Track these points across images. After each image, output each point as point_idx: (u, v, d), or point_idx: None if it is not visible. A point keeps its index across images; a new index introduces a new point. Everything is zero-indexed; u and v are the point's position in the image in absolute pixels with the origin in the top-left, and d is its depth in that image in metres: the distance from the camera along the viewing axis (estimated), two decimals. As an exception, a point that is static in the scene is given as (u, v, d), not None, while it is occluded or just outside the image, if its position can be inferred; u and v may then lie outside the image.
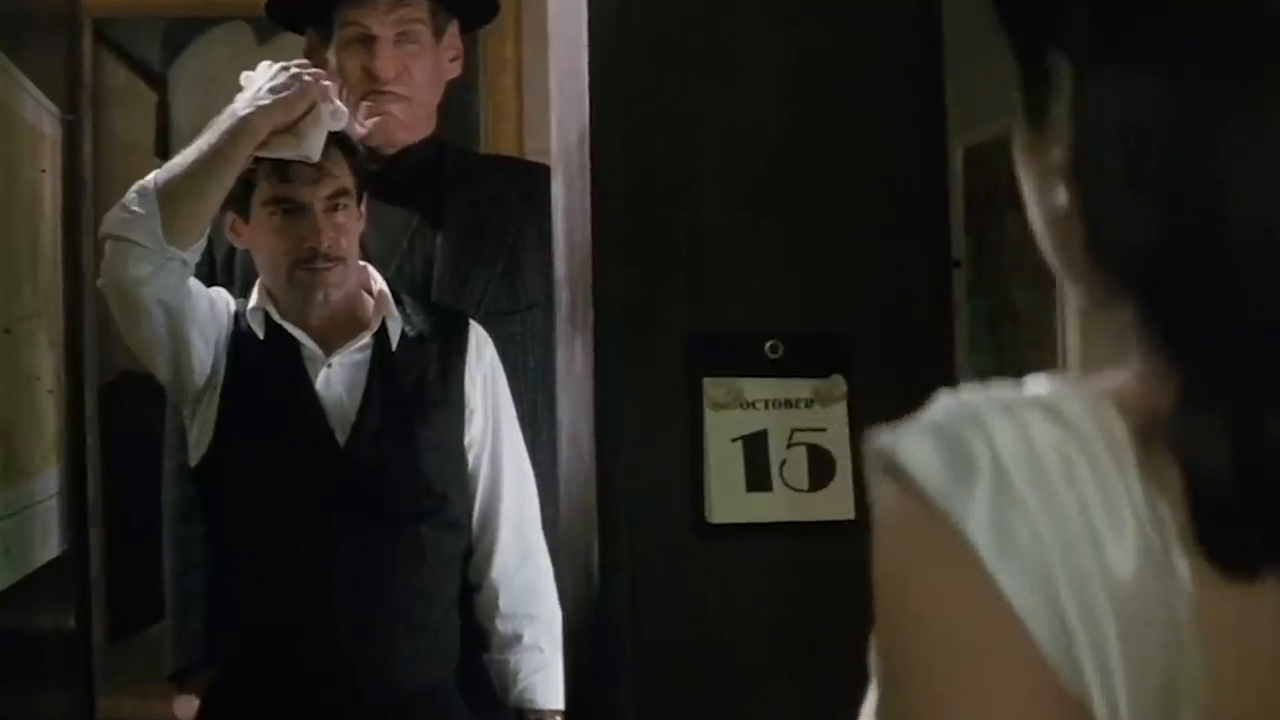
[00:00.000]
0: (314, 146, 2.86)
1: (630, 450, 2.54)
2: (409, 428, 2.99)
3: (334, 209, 2.97)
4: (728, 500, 2.51)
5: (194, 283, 2.96)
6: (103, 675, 4.51)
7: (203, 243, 2.96)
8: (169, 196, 2.84)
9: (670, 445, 2.53)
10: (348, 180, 3.00)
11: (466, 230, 3.29)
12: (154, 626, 3.72)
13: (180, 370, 2.98)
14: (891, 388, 2.56)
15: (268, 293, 3.01)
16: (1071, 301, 1.14)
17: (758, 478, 2.53)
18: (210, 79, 4.50)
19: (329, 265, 2.95)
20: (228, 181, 2.86)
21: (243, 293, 3.11)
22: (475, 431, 3.09)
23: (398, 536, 2.97)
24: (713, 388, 2.53)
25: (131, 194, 2.87)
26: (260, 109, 2.84)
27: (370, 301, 3.05)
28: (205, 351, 2.96)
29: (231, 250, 3.25)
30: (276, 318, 2.96)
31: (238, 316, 3.02)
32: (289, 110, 2.85)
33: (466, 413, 3.08)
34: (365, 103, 3.23)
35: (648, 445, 2.52)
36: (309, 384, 2.94)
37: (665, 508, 2.53)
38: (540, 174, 3.25)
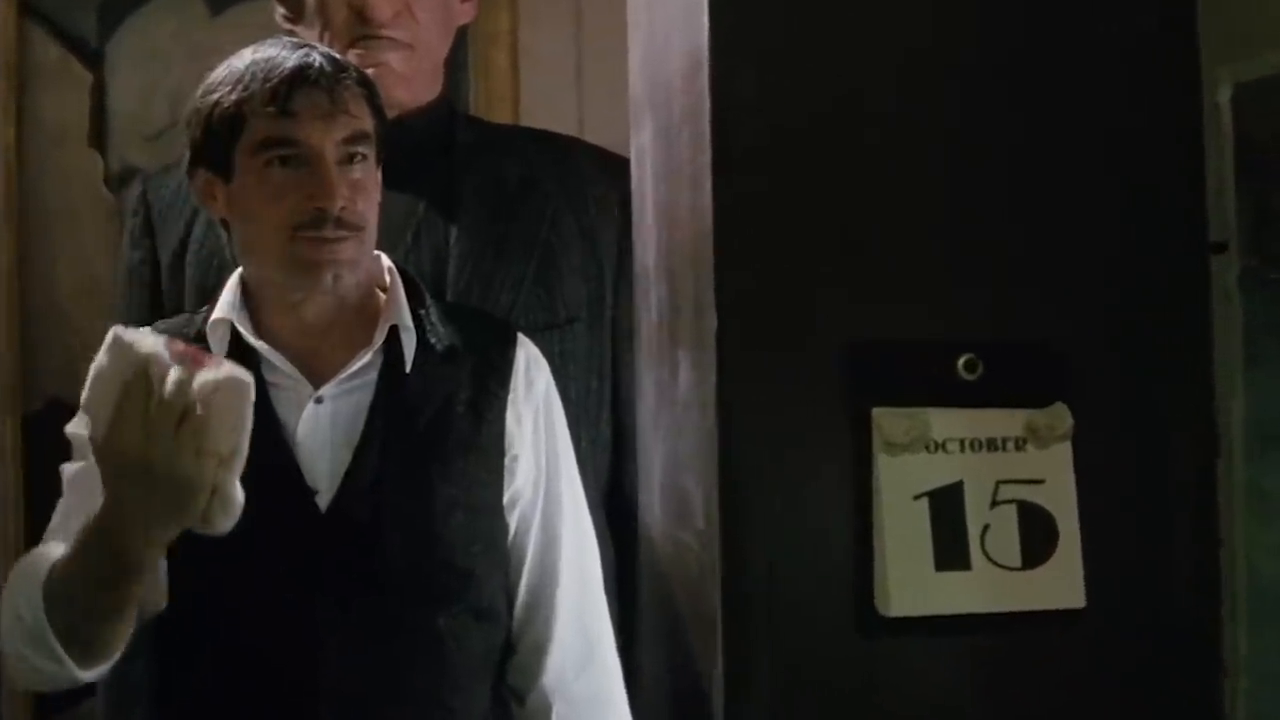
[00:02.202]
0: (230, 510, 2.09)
1: (767, 514, 1.93)
2: (423, 481, 2.34)
3: (350, 159, 2.33)
4: (909, 583, 1.97)
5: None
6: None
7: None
8: (58, 610, 2.20)
9: (825, 505, 1.97)
10: (368, 122, 2.36)
11: (488, 220, 2.72)
12: (85, 704, 3.14)
13: None
14: (1132, 421, 2.02)
15: (243, 294, 2.39)
16: None
17: (950, 550, 1.98)
18: (154, 56, 4.20)
19: (343, 235, 2.31)
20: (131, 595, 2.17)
21: (200, 301, 2.54)
22: (521, 485, 2.43)
23: (406, 630, 2.35)
24: (887, 422, 1.95)
25: (19, 595, 2.21)
26: (140, 523, 2.10)
27: (381, 303, 2.41)
28: None
29: (183, 239, 2.71)
30: (247, 335, 2.34)
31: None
32: (189, 502, 2.07)
33: (508, 460, 2.41)
34: (354, 51, 2.71)
35: (792, 506, 1.95)
36: (275, 425, 2.32)
37: (819, 597, 1.97)
38: (579, 151, 2.81)
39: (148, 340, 2.04)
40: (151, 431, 2.01)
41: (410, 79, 2.73)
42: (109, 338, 2.06)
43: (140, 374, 2.00)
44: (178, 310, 2.58)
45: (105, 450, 2.04)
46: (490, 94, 4.27)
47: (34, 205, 4.00)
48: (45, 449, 2.60)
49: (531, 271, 2.71)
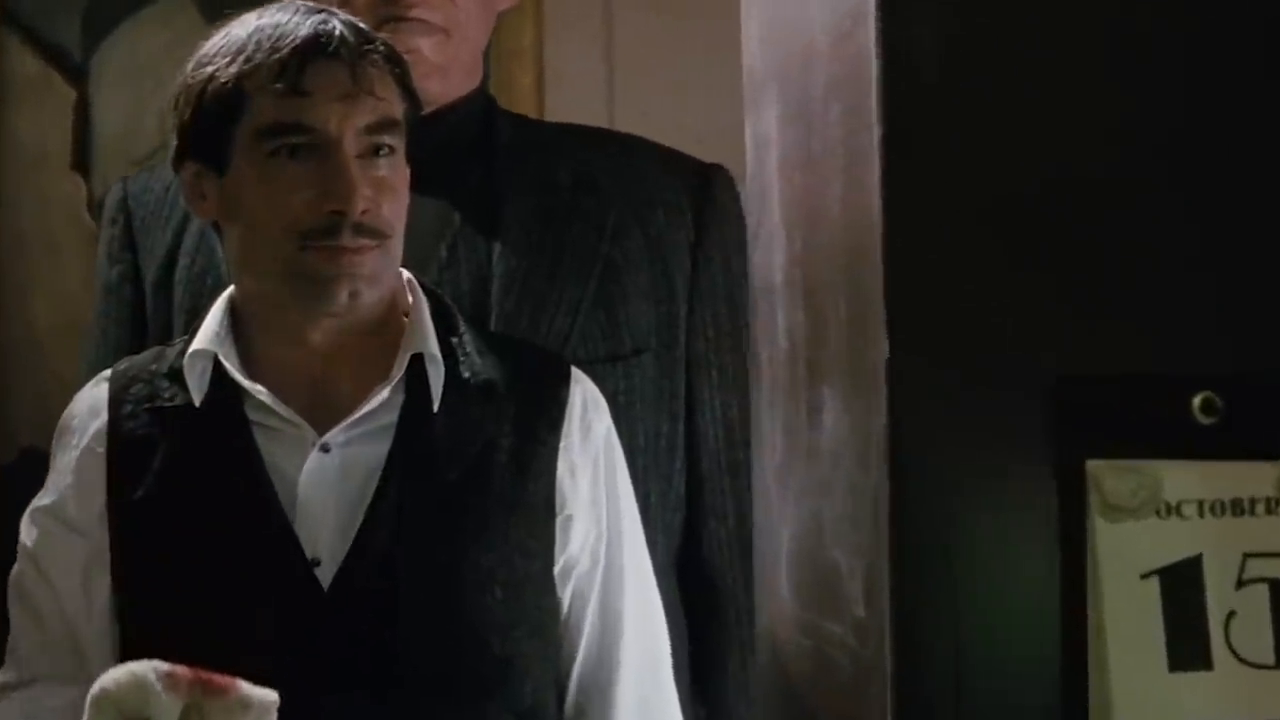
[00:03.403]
0: None
1: (952, 598, 1.65)
2: (453, 549, 2.16)
3: (375, 151, 2.15)
4: (1135, 688, 1.67)
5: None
6: None
7: None
8: None
9: (1027, 587, 1.68)
10: (396, 107, 2.17)
11: (538, 232, 2.56)
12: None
13: None
14: None
15: (231, 319, 2.21)
16: None
17: (1187, 645, 1.68)
18: (142, 71, 4.16)
19: (364, 244, 2.13)
20: None
21: (189, 328, 2.34)
22: (575, 553, 2.24)
23: None
24: (1107, 478, 1.67)
25: None
26: None
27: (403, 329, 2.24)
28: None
29: (171, 252, 2.55)
30: (233, 371, 2.16)
31: (159, 377, 2.24)
32: None
33: (559, 521, 2.22)
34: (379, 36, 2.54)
35: (985, 588, 1.66)
36: (265, 481, 2.15)
37: (1020, 706, 1.68)
38: (642, 151, 2.65)
39: (137, 689, 1.93)
40: None
41: (445, 68, 2.56)
42: (91, 700, 1.96)
43: None
44: (164, 338, 2.42)
45: None
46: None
47: (10, 233, 4.02)
48: (19, 505, 2.41)
49: (590, 293, 2.54)
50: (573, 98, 3.93)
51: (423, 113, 2.35)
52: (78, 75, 4.30)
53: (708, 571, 2.52)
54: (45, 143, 4.21)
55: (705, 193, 2.57)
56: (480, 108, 2.65)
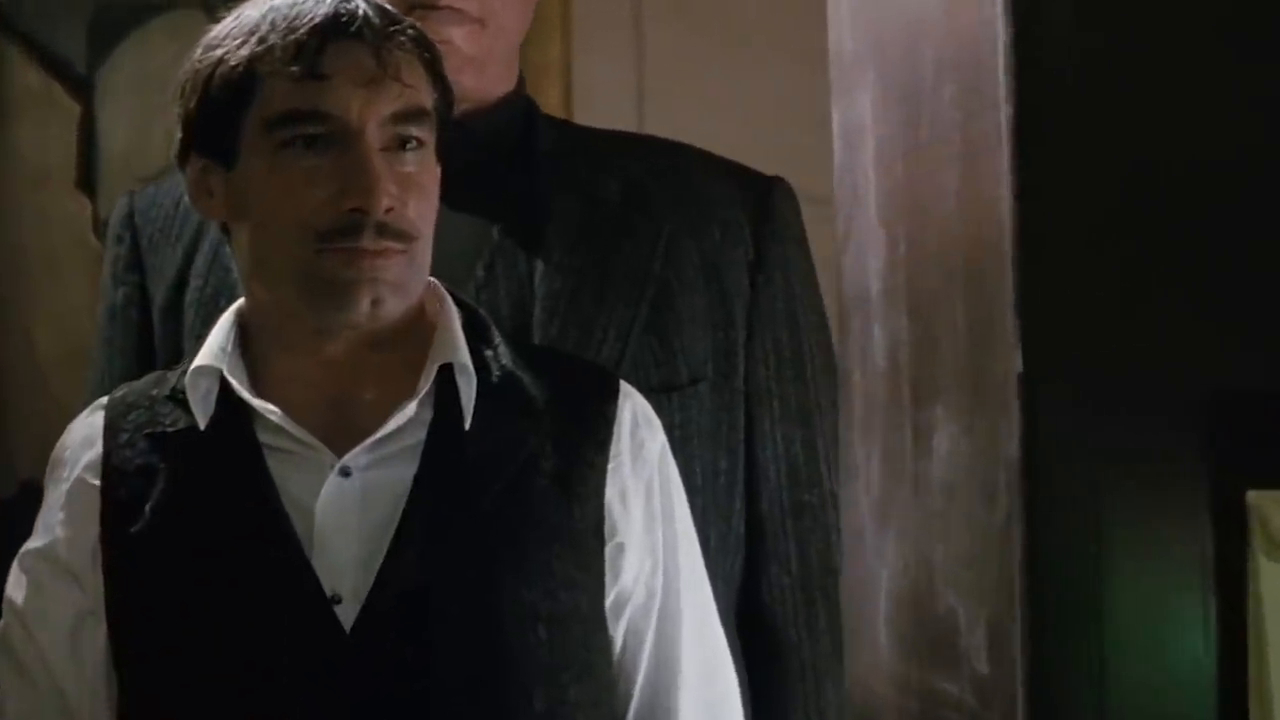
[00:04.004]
0: None
1: (1094, 649, 1.50)
2: (490, 582, 2.04)
3: (401, 144, 2.05)
4: None
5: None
6: None
7: None
8: None
9: (1180, 632, 1.55)
10: (426, 96, 2.07)
11: (583, 249, 2.43)
12: None
13: None
14: None
15: (239, 334, 2.11)
16: None
17: None
18: (150, 85, 4.17)
19: (388, 247, 2.03)
20: None
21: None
22: (628, 585, 2.11)
23: None
24: (1270, 510, 1.53)
25: None
26: None
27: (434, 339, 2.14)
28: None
29: (181, 272, 2.44)
30: (240, 389, 2.06)
31: (160, 402, 2.13)
32: None
33: (609, 550, 2.10)
34: None
35: (1133, 636, 1.53)
36: (278, 509, 2.04)
37: None
38: (696, 160, 2.54)
39: None
40: None
41: (481, 63, 2.43)
42: None
43: None
44: (175, 365, 2.29)
45: None
46: (541, 127, 4.28)
47: (10, 255, 4.05)
48: (19, 541, 2.28)
49: (642, 316, 2.42)
50: (601, 113, 3.84)
51: (456, 109, 2.21)
52: (82, 89, 4.32)
53: (769, 621, 2.39)
54: (48, 160, 4.24)
55: (765, 207, 2.46)
56: (519, 111, 2.53)
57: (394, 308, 2.03)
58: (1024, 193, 1.48)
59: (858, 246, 1.82)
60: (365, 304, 2.00)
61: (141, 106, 4.16)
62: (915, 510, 1.68)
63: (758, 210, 2.43)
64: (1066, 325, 1.50)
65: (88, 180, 4.16)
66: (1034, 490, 1.48)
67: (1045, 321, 1.50)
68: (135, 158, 4.04)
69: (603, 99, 3.97)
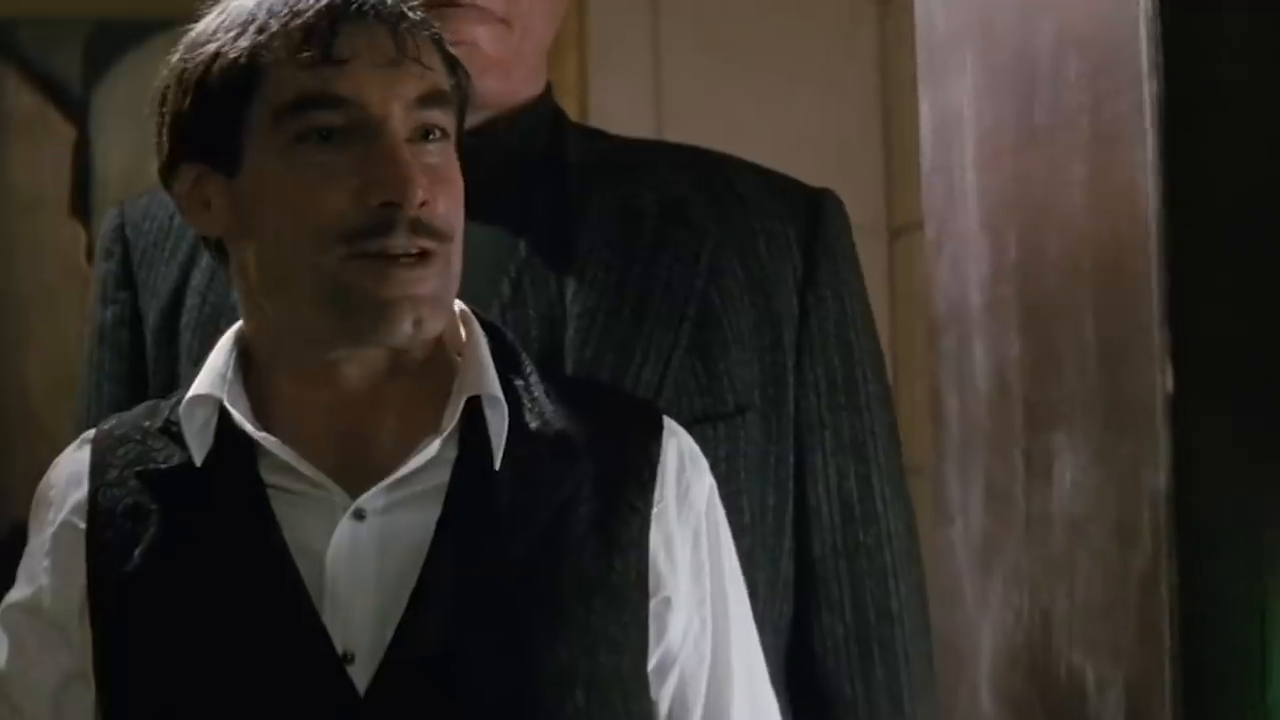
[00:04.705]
0: None
1: (1251, 710, 1.27)
2: (521, 641, 1.93)
3: (425, 135, 1.92)
4: None
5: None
6: None
7: None
8: None
9: None
10: (444, 79, 1.95)
11: (619, 266, 2.34)
12: None
13: None
14: None
15: (240, 359, 1.97)
16: None
17: None
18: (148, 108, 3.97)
19: (426, 247, 1.90)
20: None
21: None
22: (675, 643, 1.98)
23: None
24: None
25: None
26: None
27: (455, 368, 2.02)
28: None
29: (177, 291, 2.32)
30: (242, 420, 1.93)
31: (154, 433, 2.02)
32: None
33: (654, 605, 1.98)
34: None
35: None
36: (285, 557, 1.93)
37: None
38: (738, 171, 2.43)
39: None
40: None
41: (506, 64, 2.32)
42: None
43: None
44: (169, 394, 2.19)
45: None
46: (558, 151, 4.21)
47: (5, 281, 4.06)
48: (10, 586, 2.19)
49: (684, 339, 2.30)
50: (618, 129, 4.05)
51: (479, 121, 2.14)
52: (78, 110, 4.29)
53: (821, 675, 2.28)
54: (42, 185, 4.23)
55: (814, 220, 2.36)
56: (547, 118, 2.42)
57: (434, 327, 1.91)
58: (1173, 188, 1.29)
59: (953, 255, 1.64)
60: (408, 325, 1.88)
61: (138, 130, 3.95)
62: (1029, 553, 1.53)
63: (807, 224, 2.33)
64: (1226, 338, 1.33)
65: (82, 206, 4.14)
66: (1186, 528, 1.30)
67: (1200, 334, 1.32)
68: (132, 183, 3.92)
69: (619, 121, 3.99)
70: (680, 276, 2.33)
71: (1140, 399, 1.29)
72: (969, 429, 1.63)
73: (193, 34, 1.93)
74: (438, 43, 1.96)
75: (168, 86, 1.94)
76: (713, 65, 4.02)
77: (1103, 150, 1.35)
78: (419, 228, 1.87)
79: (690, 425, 2.17)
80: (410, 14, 1.93)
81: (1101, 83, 1.34)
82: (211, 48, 1.89)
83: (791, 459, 2.33)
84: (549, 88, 2.44)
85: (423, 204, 1.87)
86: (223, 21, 1.90)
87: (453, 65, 1.98)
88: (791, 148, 2.59)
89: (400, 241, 1.86)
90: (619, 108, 3.97)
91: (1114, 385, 1.35)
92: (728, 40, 4.12)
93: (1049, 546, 1.46)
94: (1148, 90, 1.27)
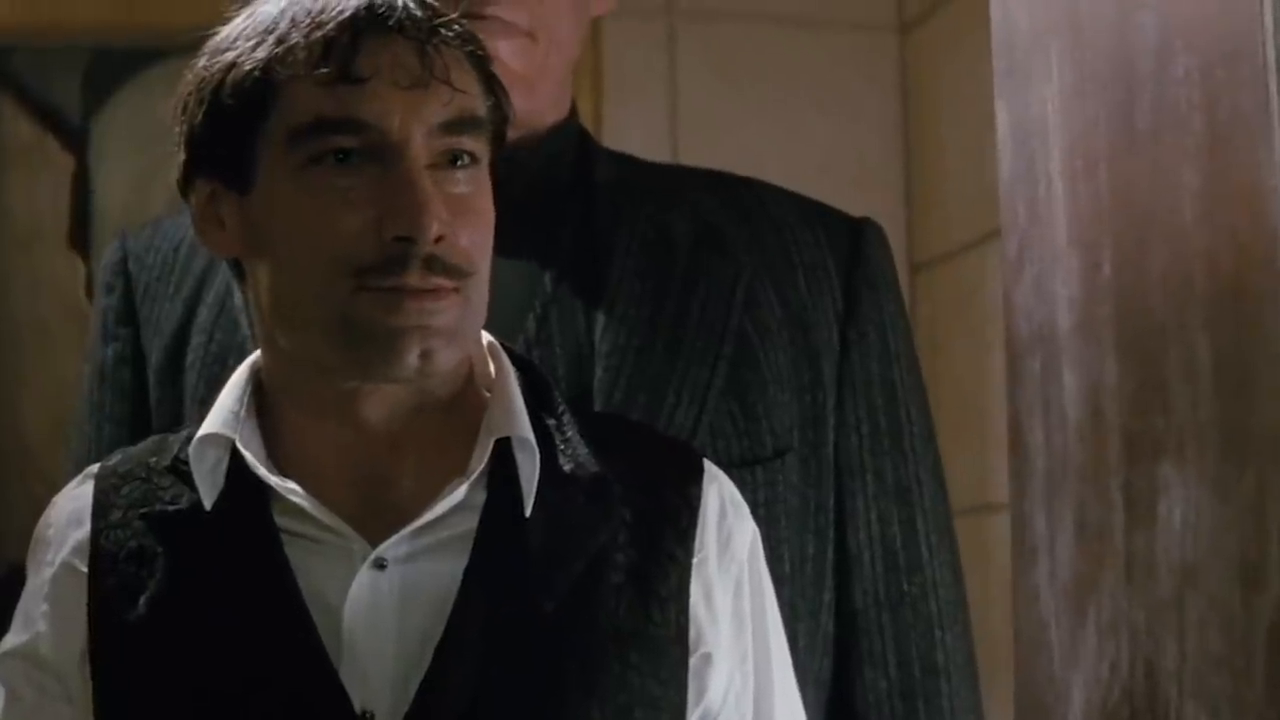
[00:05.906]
0: None
1: None
2: (551, 699, 1.84)
3: (452, 161, 1.82)
4: None
5: None
6: None
7: None
8: None
9: None
10: (479, 102, 1.84)
11: (651, 299, 2.25)
12: None
13: None
14: None
15: (254, 395, 1.89)
16: None
17: None
18: (149, 138, 3.88)
19: (440, 285, 1.81)
20: None
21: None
22: (715, 702, 1.88)
23: None
24: None
25: None
26: None
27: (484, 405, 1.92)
28: None
29: (183, 327, 2.27)
30: (255, 463, 1.83)
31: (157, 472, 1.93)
32: None
33: (694, 661, 1.88)
34: None
35: None
36: (301, 609, 1.83)
37: None
38: (775, 199, 2.35)
39: None
40: None
41: (531, 82, 2.23)
42: None
43: None
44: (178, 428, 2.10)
45: None
46: (574, 183, 4.07)
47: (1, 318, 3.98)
48: (6, 630, 2.10)
49: (720, 377, 2.22)
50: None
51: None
52: (77, 140, 4.15)
53: None
54: (39, 217, 4.09)
55: (855, 250, 2.27)
56: (573, 140, 2.33)
57: (446, 360, 1.80)
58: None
59: (1037, 274, 1.52)
60: (413, 357, 1.78)
61: (139, 160, 4.02)
62: (1130, 598, 1.40)
63: (847, 254, 2.25)
64: None
65: (81, 239, 4.02)
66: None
67: None
68: (132, 214, 3.85)
69: (635, 152, 3.94)
70: (715, 311, 2.25)
71: (1266, 428, 1.17)
72: (1056, 462, 1.51)
73: (217, 39, 1.86)
74: (477, 60, 1.86)
75: (189, 93, 1.87)
76: (730, 95, 3.96)
77: (1219, 153, 1.23)
78: (434, 264, 1.78)
79: (727, 470, 2.06)
80: (443, 29, 1.83)
81: (1215, 80, 1.22)
82: (229, 56, 1.81)
83: (831, 504, 2.25)
84: (574, 108, 2.35)
85: (439, 239, 1.78)
86: (245, 28, 1.82)
87: (490, 84, 1.88)
88: (810, 179, 2.55)
89: (413, 280, 1.78)
90: (635, 138, 3.85)
91: (1234, 413, 1.23)
92: (745, 70, 4.03)
93: (1154, 591, 1.33)
94: (1274, 84, 1.15)
